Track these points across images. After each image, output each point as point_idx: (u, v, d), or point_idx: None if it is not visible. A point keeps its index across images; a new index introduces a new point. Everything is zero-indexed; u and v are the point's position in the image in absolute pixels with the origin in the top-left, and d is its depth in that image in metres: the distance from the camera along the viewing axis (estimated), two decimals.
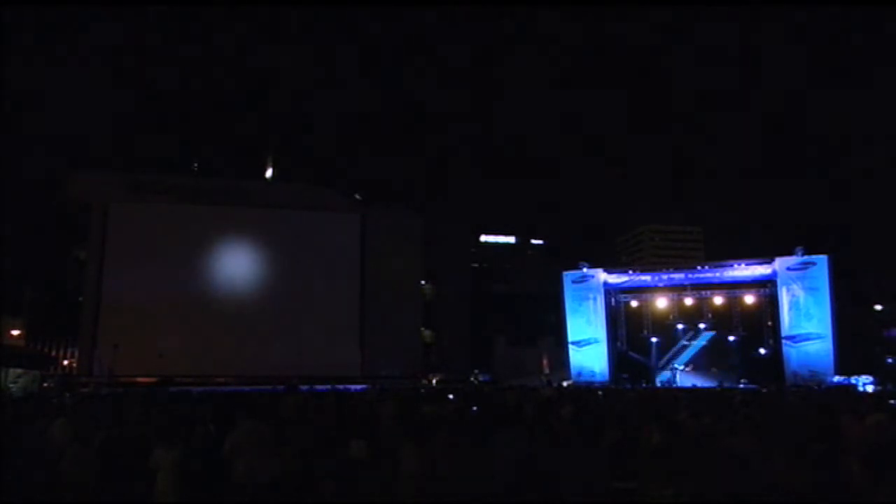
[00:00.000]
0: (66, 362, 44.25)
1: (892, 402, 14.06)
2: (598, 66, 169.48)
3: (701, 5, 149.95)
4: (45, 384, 35.58)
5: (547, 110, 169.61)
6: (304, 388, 28.17)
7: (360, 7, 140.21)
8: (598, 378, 39.56)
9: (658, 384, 37.84)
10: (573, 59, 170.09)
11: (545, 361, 49.28)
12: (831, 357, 34.96)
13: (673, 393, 22.02)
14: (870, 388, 30.52)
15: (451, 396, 17.16)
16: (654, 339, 41.27)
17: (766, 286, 38.68)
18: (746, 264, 39.00)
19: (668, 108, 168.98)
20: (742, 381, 36.10)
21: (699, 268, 41.64)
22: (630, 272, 43.66)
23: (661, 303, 41.29)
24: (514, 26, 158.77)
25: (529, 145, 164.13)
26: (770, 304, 38.41)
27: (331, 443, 7.73)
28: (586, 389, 29.48)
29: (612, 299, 42.58)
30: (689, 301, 40.46)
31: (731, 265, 39.64)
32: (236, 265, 44.47)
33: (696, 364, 39.51)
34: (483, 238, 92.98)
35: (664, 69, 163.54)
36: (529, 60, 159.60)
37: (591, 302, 41.64)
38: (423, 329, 52.62)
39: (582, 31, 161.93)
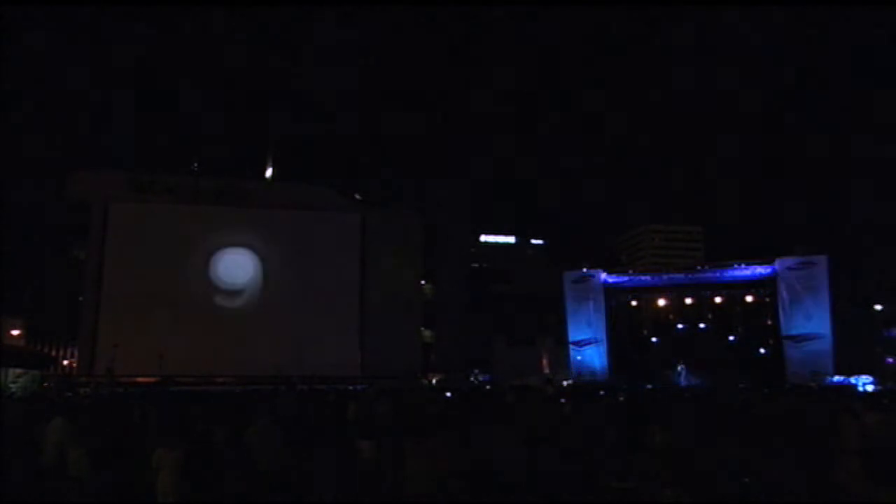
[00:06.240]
0: (66, 362, 44.23)
1: (885, 401, 14.01)
2: (596, 65, 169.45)
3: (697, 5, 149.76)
4: (45, 384, 35.59)
5: (545, 110, 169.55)
6: (304, 387, 28.16)
7: (361, 5, 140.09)
8: (598, 378, 39.55)
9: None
10: (571, 59, 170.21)
11: (545, 361, 49.22)
12: (831, 357, 35.00)
13: (673, 393, 22.01)
14: (870, 388, 30.51)
15: (448, 395, 17.16)
16: (653, 339, 41.27)
17: (766, 286, 38.69)
18: (746, 264, 39.03)
19: (669, 108, 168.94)
20: (742, 381, 36.06)
21: (699, 268, 41.71)
22: (630, 272, 43.71)
23: (661, 303, 41.32)
24: (509, 26, 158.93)
25: (529, 145, 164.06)
26: (770, 304, 38.42)
27: (331, 443, 7.75)
28: (586, 389, 29.47)
29: (612, 299, 42.59)
30: (689, 301, 40.48)
31: (731, 265, 39.67)
32: (236, 265, 44.50)
33: (697, 364, 39.46)
34: (483, 238, 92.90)
35: (664, 69, 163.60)
36: (529, 60, 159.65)
37: (591, 302, 41.67)
38: (423, 329, 52.57)
39: (572, 32, 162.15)
